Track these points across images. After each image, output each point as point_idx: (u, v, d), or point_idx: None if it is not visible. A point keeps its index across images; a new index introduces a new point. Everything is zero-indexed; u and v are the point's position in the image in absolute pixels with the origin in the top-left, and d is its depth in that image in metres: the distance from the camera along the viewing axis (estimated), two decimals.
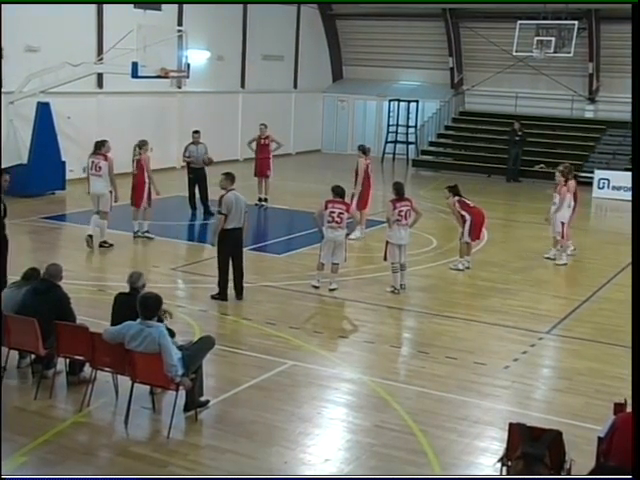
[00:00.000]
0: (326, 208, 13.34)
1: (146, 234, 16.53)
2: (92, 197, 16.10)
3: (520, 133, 27.66)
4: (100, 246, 15.69)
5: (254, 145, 20.93)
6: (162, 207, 18.54)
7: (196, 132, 19.45)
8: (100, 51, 22.85)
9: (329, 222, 13.31)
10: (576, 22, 26.94)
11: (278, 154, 22.52)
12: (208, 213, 18.76)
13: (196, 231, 18.98)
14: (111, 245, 15.78)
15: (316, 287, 13.47)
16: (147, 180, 16.46)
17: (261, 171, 20.72)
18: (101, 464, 7.65)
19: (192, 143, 19.39)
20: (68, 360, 9.15)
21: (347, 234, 13.65)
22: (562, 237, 15.94)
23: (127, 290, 9.13)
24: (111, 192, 15.82)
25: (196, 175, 19.40)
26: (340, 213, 13.33)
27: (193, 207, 19.54)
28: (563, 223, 15.87)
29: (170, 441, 8.00)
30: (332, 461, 7.78)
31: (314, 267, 13.67)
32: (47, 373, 9.12)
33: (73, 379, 9.19)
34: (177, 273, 14.62)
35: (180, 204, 19.72)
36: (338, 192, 13.55)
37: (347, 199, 14.33)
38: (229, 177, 12.65)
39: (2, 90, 19.64)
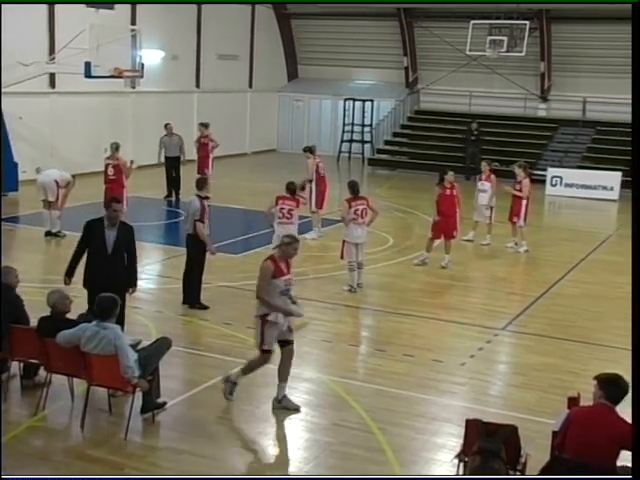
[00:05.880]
0: (276, 204, 13.47)
1: None
2: (39, 188, 16.71)
3: (476, 132, 27.90)
4: (51, 235, 16.55)
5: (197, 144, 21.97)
6: None
7: (167, 125, 21.40)
8: (52, 50, 22.56)
9: (279, 218, 13.52)
10: (527, 22, 27.24)
11: (234, 154, 22.56)
12: (179, 202, 20.78)
13: (155, 232, 18.77)
14: (64, 236, 16.27)
15: None
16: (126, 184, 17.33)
17: (199, 169, 21.31)
18: (57, 468, 7.55)
19: (166, 135, 21.29)
20: (22, 364, 9.03)
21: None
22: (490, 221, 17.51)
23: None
24: (56, 182, 16.54)
25: (171, 163, 21.39)
26: (290, 209, 13.50)
27: (169, 193, 21.34)
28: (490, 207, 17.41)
29: (127, 443, 7.94)
30: (291, 460, 7.78)
31: None
32: (0, 377, 8.98)
33: (28, 383, 9.07)
34: None
35: (139, 204, 19.54)
36: (290, 188, 13.69)
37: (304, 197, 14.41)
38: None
39: None
